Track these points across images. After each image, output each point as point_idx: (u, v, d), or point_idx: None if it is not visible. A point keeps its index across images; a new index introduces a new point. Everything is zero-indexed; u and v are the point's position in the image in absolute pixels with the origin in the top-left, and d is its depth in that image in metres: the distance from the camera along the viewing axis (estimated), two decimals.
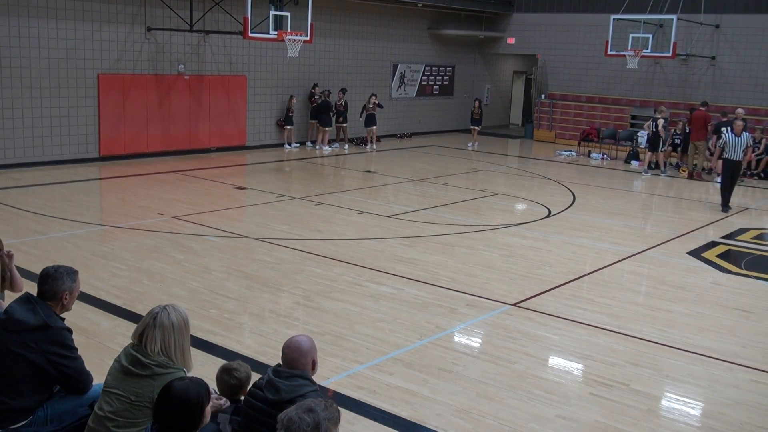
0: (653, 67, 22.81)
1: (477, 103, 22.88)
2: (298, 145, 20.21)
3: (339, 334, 7.06)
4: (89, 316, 7.17)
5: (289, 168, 17.73)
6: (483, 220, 12.61)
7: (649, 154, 18.76)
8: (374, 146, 21.28)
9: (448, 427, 5.39)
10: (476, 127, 22.77)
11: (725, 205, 14.15)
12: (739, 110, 18.13)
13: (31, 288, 4.62)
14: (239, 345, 6.72)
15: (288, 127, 19.94)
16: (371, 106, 21.12)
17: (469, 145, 22.76)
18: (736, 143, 14.03)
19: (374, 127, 21.30)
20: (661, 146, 18.37)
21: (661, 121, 18.16)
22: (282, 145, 20.11)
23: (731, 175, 14.18)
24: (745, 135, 14.21)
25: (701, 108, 18.34)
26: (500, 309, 8.01)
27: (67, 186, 13.99)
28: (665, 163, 18.96)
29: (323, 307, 7.79)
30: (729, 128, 14.67)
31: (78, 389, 4.37)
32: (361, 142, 21.81)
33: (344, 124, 21.23)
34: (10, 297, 5.24)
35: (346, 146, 21.10)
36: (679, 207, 15.37)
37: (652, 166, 18.89)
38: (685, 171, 18.76)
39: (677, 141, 19.24)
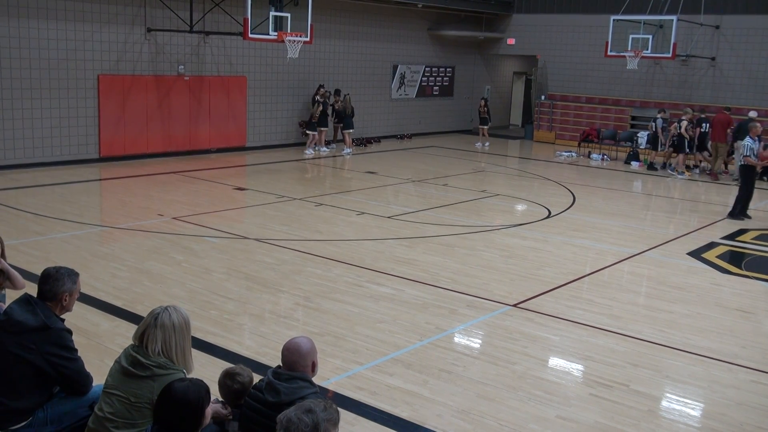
0: (653, 68, 22.81)
1: (483, 102, 23.09)
2: (326, 149, 19.95)
3: (339, 334, 7.06)
4: (89, 317, 7.17)
5: (289, 169, 17.74)
6: (483, 220, 12.61)
7: (691, 155, 18.77)
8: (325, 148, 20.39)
9: (448, 428, 5.38)
10: (483, 126, 22.90)
11: (743, 213, 13.37)
12: (752, 113, 18.12)
13: (31, 289, 4.62)
14: (239, 346, 6.72)
15: (310, 132, 19.59)
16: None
17: (478, 144, 22.80)
18: (757, 148, 13.37)
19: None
20: (686, 146, 18.56)
21: (684, 123, 18.27)
22: (287, 145, 20.04)
23: (751, 181, 13.47)
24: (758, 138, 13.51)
25: (725, 112, 18.27)
26: (500, 310, 8.01)
27: (67, 187, 13.98)
28: (667, 164, 19.04)
29: (323, 308, 7.79)
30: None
31: (78, 390, 4.37)
32: (361, 143, 21.83)
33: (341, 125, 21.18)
34: (10, 297, 5.24)
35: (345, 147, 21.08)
36: (678, 208, 15.37)
37: (691, 166, 19.05)
38: (687, 172, 18.76)
39: (675, 142, 19.24)
